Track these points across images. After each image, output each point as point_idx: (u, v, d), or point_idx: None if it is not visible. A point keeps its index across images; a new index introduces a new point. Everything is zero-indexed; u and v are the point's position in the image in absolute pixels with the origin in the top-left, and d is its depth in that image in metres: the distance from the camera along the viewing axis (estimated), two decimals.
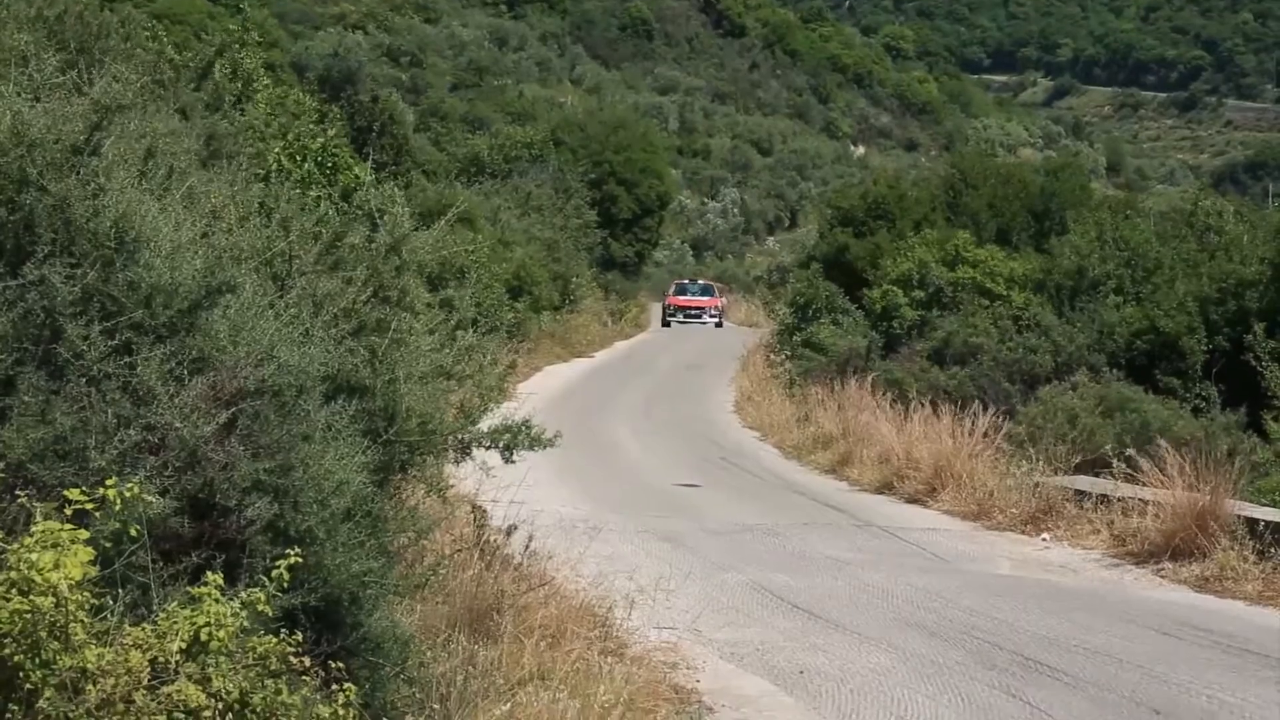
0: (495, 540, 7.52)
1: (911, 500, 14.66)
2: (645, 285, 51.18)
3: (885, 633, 8.90)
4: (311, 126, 14.22)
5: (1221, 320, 16.76)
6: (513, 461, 6.50)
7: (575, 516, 11.62)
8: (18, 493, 4.27)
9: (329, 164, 12.30)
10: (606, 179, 47.91)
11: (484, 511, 7.87)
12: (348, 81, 33.55)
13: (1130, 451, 12.23)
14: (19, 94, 4.86)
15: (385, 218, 6.01)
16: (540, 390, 21.59)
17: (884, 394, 17.89)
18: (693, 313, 39.60)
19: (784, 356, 24.99)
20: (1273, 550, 10.46)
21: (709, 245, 70.34)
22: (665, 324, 39.07)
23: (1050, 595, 10.38)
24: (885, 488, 15.29)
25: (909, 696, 7.37)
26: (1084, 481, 13.26)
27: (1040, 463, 13.59)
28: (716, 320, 39.15)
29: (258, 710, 4.11)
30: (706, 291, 42.86)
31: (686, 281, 44.99)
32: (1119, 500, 12.17)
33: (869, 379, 18.87)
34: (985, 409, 15.22)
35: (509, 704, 5.49)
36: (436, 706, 5.09)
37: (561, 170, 41.77)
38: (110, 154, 4.84)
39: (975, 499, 13.70)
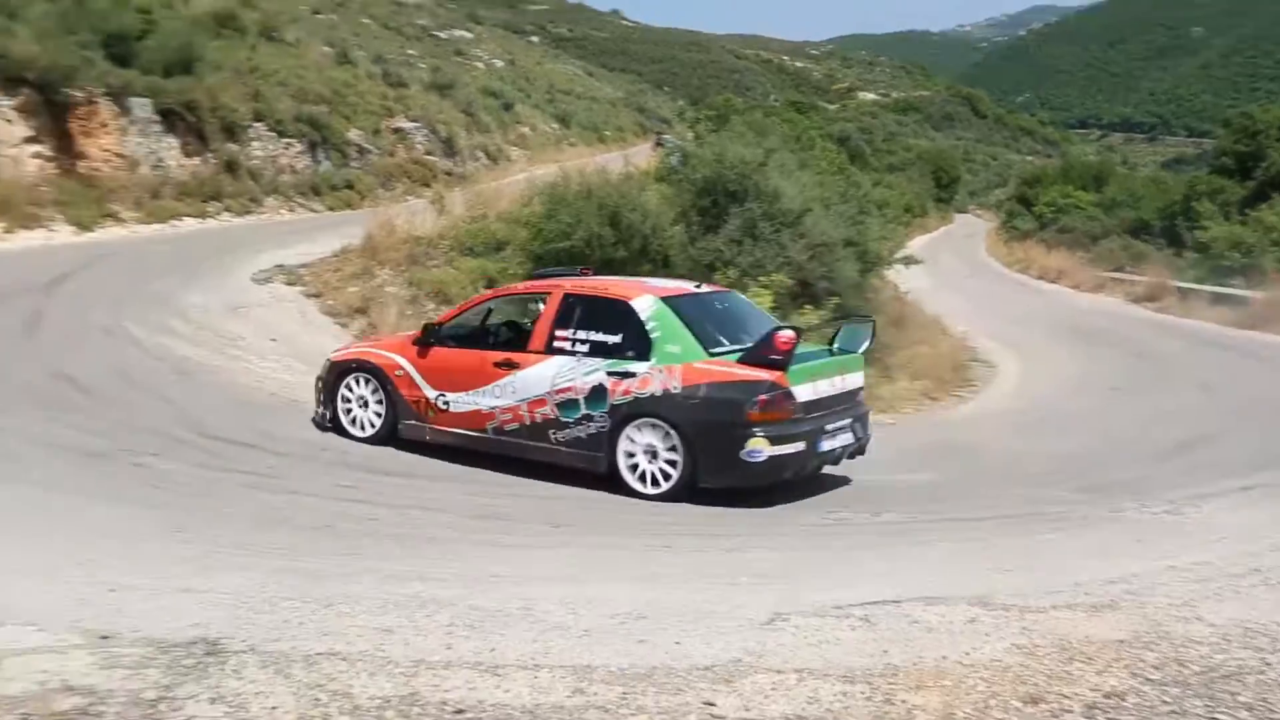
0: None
1: None
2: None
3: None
4: (836, 158, 24.26)
5: None
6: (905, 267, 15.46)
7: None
8: (745, 280, 13.16)
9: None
10: None
11: (896, 285, 16.74)
12: (848, 138, 54.84)
13: None
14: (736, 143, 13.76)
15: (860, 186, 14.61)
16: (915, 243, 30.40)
17: None
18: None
19: None
20: None
21: None
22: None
23: None
24: None
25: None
26: None
27: None
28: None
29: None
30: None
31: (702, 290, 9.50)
32: None
33: None
34: None
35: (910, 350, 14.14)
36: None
37: None
38: (771, 164, 13.57)
39: None
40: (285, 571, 5.30)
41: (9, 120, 17.84)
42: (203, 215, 21.01)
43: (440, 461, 8.50)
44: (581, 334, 8.27)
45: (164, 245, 17.55)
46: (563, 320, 8.41)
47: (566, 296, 8.53)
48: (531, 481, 8.24)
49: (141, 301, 12.72)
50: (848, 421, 8.16)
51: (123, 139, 20.17)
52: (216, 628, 4.37)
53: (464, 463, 8.49)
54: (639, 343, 8.04)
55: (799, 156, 17.71)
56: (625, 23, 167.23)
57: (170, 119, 21.51)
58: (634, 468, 7.92)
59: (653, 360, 7.92)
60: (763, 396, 7.51)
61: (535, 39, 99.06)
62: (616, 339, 8.15)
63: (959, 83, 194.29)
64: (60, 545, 5.47)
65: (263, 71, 26.23)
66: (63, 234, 17.19)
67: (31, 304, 11.90)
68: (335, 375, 9.26)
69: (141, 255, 16.16)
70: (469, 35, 61.70)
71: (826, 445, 7.94)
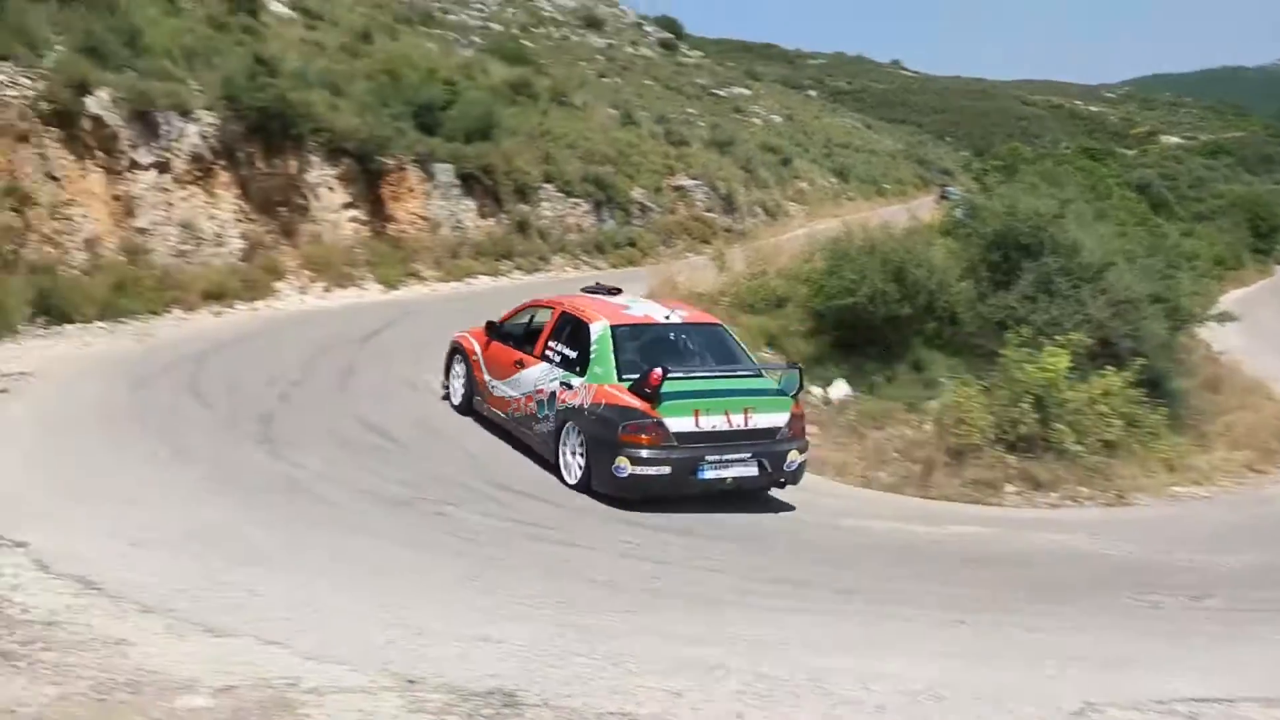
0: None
1: None
2: None
3: None
4: (1137, 207, 22.80)
5: None
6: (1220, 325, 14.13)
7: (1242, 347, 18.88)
8: (1040, 338, 12.44)
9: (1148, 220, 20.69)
10: None
11: (1208, 344, 15.39)
12: (1148, 185, 51.83)
13: None
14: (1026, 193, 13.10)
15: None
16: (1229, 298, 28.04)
17: None
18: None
19: None
20: None
21: None
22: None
23: None
24: None
25: None
26: None
27: None
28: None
29: (1118, 407, 11.81)
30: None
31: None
32: None
33: None
34: None
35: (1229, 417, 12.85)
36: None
37: None
38: (1069, 215, 12.84)
39: None
40: (572, 625, 5.42)
41: (331, 189, 19.56)
42: (495, 273, 22.20)
43: (719, 514, 8.51)
44: (559, 347, 9.61)
45: (460, 302, 18.65)
46: (555, 333, 9.78)
47: (562, 313, 9.88)
48: (812, 543, 8.10)
49: (441, 356, 13.53)
50: (747, 456, 8.65)
51: (427, 202, 21.69)
52: (511, 678, 4.50)
53: (742, 522, 8.47)
54: (584, 361, 9.21)
55: (1096, 207, 16.73)
56: (905, 73, 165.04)
57: (469, 182, 22.93)
58: (565, 464, 9.04)
59: (585, 377, 9.06)
60: (629, 422, 8.46)
61: (813, 93, 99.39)
62: (574, 354, 9.39)
63: None
64: (368, 588, 5.83)
65: (553, 135, 27.59)
66: (372, 292, 18.63)
67: (347, 357, 12.92)
68: (449, 354, 11.37)
69: (440, 311, 17.23)
70: (747, 92, 62.62)
71: (710, 474, 8.55)
